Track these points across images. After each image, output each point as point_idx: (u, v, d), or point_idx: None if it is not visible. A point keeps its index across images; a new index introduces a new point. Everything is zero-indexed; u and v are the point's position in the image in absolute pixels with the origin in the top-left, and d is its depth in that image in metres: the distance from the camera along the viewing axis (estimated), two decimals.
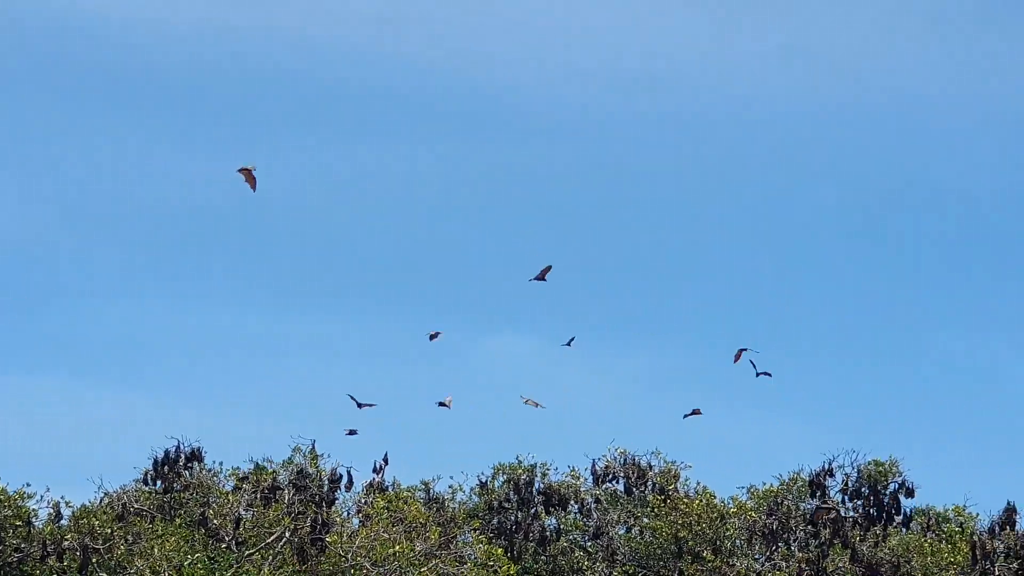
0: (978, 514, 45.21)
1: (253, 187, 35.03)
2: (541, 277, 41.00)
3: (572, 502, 45.36)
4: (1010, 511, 43.46)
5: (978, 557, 42.26)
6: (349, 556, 37.88)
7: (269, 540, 39.40)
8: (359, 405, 41.25)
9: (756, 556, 43.26)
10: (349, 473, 41.93)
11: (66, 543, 38.25)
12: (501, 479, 45.65)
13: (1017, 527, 43.41)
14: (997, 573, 42.44)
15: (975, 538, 42.79)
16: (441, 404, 41.98)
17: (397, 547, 36.19)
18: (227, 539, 39.39)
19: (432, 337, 42.28)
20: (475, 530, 41.48)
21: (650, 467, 45.39)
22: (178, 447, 42.09)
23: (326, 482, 41.19)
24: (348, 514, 42.29)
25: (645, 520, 44.22)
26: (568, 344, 42.44)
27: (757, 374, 41.78)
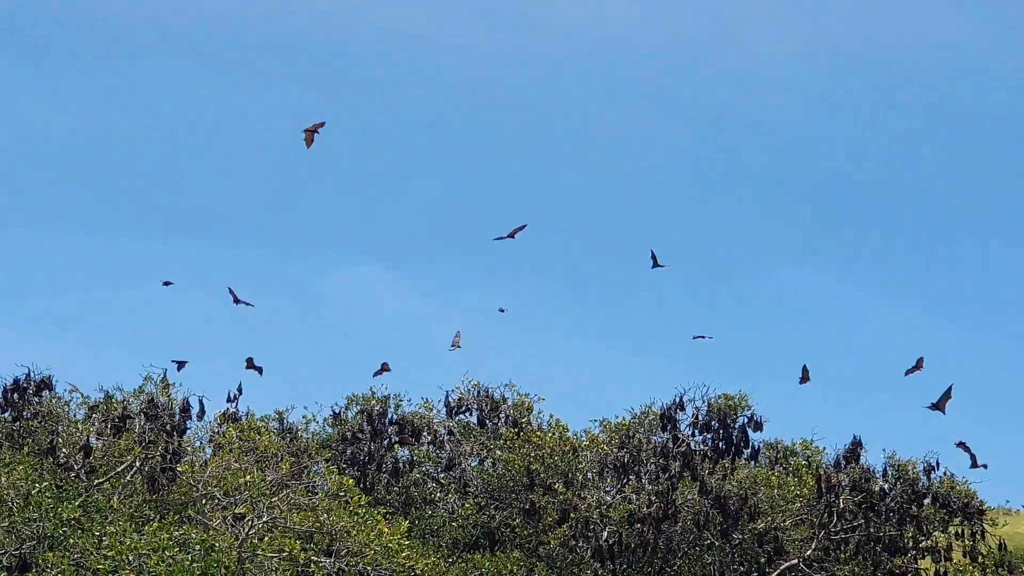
0: (825, 448, 45.89)
1: (308, 144, 36.09)
2: (511, 235, 41.70)
3: (425, 433, 45.45)
4: (856, 445, 44.31)
5: (823, 490, 43.11)
6: (200, 486, 37.66)
7: (119, 469, 39.07)
8: (236, 300, 41.23)
9: (607, 488, 43.66)
10: (201, 402, 41.61)
11: None
12: (354, 410, 45.60)
13: (862, 461, 44.34)
14: (842, 506, 43.38)
15: (821, 471, 43.64)
16: (453, 346, 43.06)
17: (248, 477, 35.99)
18: (76, 468, 38.95)
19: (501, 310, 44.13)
20: (327, 461, 41.36)
21: (504, 400, 45.49)
22: (28, 375, 41.48)
23: (177, 411, 40.81)
24: (200, 444, 42.02)
25: (498, 452, 44.27)
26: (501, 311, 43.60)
27: (653, 266, 42.40)
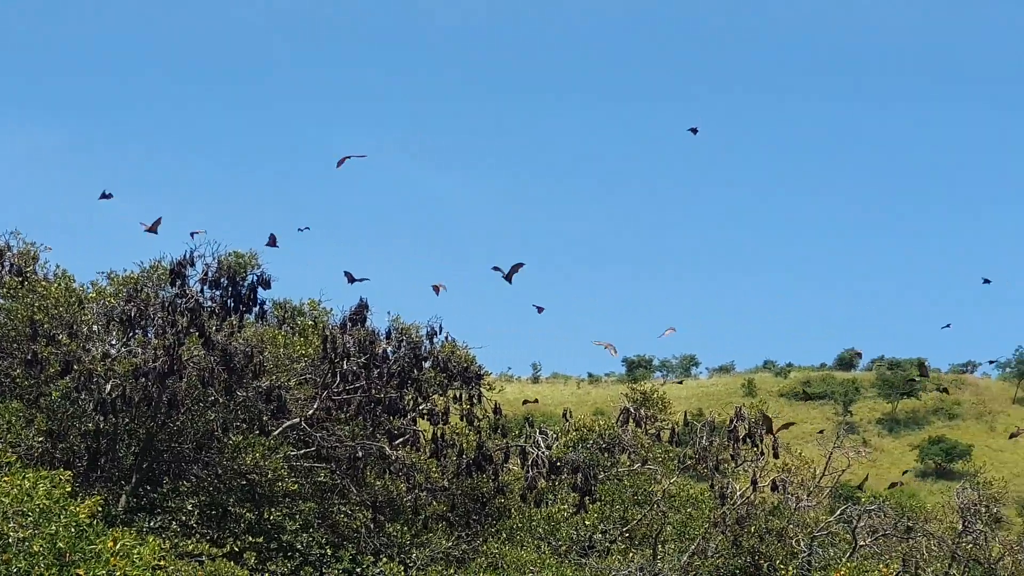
0: (332, 309, 46.77)
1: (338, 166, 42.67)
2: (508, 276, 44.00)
3: None
4: (362, 307, 45.37)
5: (328, 350, 44.50)
6: None
7: None
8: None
9: (112, 342, 43.48)
10: None
11: None
12: None
13: (367, 324, 45.79)
14: (346, 367, 44.80)
15: (327, 332, 44.75)
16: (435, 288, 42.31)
17: None
18: None
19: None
20: None
21: (8, 248, 44.13)
22: None
23: None
24: None
25: (1, 301, 43.53)
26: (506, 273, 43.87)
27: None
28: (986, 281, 50.67)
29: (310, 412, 44.10)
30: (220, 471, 42.70)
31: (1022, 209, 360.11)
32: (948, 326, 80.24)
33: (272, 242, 43.91)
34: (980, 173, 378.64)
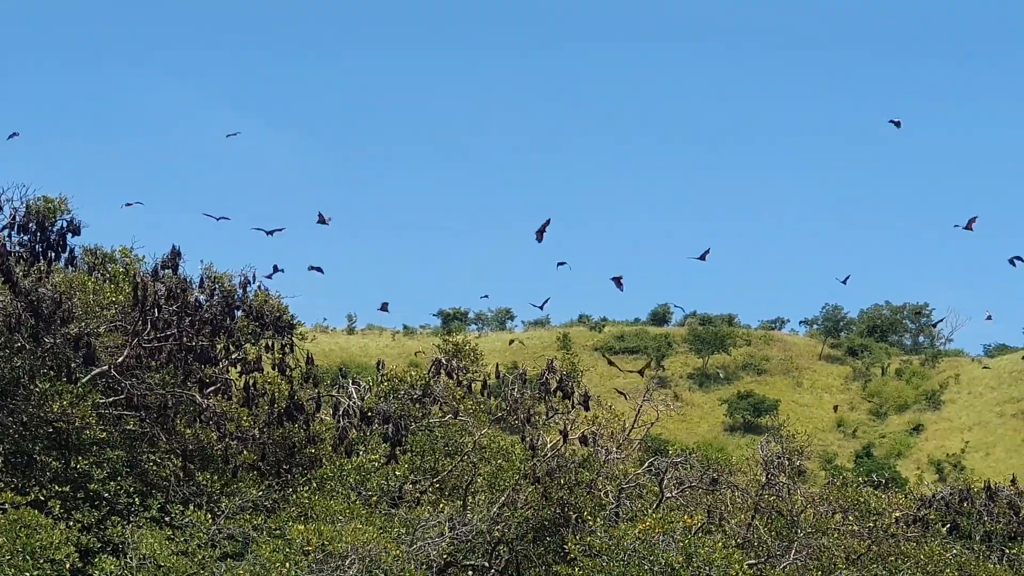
0: (144, 257, 46.29)
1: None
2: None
3: None
4: (175, 255, 45.16)
5: (139, 298, 44.07)
6: None
7: None
8: None
9: None
10: None
11: None
12: None
13: (180, 271, 45.51)
14: (157, 315, 44.40)
15: (138, 279, 44.26)
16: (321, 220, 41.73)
17: None
18: None
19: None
20: None
21: None
22: None
23: None
24: None
25: None
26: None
27: None
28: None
29: (120, 359, 43.67)
30: (26, 419, 42.21)
31: (829, 178, 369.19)
32: (847, 279, 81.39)
33: (322, 219, 45.14)
34: (782, 141, 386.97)
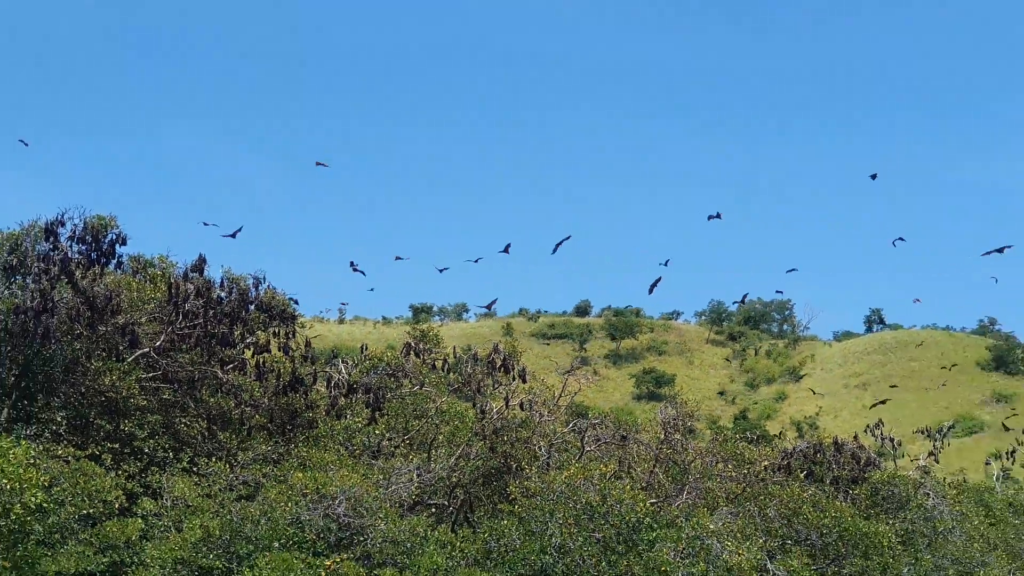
0: (177, 262, 46.18)
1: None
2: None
3: None
4: (201, 261, 45.00)
5: (173, 294, 44.10)
6: None
7: None
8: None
9: None
10: None
11: None
12: None
13: (205, 273, 45.42)
14: (187, 308, 44.31)
15: (172, 280, 44.40)
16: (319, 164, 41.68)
17: None
18: None
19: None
20: None
21: None
22: None
23: None
24: None
25: None
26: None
27: None
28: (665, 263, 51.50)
29: (157, 344, 43.59)
30: (83, 390, 42.07)
31: (723, 188, 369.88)
32: (794, 270, 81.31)
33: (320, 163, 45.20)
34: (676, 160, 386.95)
